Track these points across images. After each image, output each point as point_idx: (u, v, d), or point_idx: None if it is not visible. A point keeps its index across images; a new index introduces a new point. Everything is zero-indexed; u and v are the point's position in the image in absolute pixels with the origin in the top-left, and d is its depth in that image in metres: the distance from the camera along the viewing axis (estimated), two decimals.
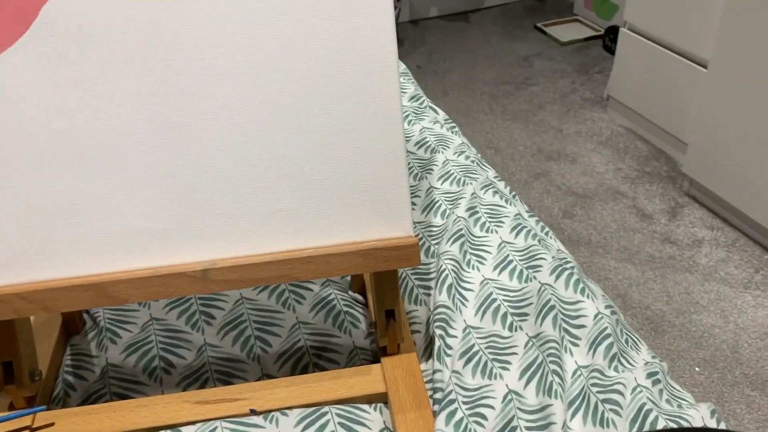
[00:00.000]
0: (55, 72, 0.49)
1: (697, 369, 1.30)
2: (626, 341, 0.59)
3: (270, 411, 0.55)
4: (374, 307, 0.58)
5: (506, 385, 0.55)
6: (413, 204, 0.74)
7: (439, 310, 0.61)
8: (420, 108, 0.95)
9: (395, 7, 2.59)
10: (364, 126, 0.54)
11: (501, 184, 0.79)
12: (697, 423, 0.52)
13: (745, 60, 1.49)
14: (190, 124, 0.52)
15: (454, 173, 0.79)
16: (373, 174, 0.55)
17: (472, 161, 0.82)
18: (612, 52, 2.50)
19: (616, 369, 0.55)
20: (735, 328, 1.38)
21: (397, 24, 2.72)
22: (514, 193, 0.78)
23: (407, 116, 0.92)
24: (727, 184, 1.62)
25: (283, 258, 0.53)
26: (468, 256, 0.66)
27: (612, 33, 2.49)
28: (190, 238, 0.53)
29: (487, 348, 0.58)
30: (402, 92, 0.99)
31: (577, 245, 1.64)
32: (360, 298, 0.67)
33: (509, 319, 0.61)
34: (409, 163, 0.82)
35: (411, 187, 0.77)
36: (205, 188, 0.53)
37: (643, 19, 1.89)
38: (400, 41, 2.78)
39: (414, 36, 2.82)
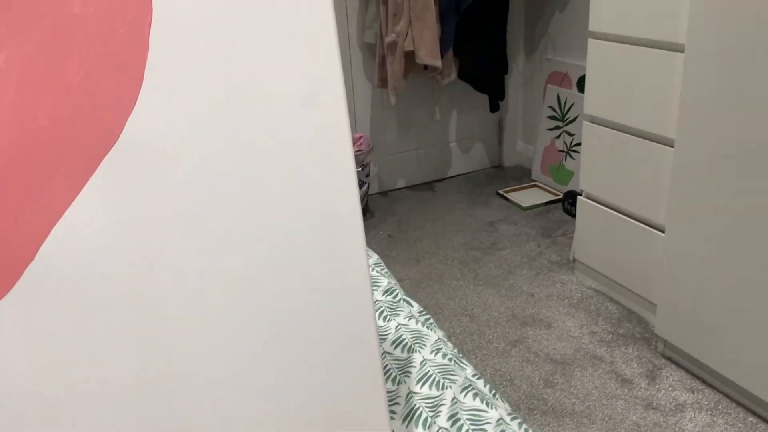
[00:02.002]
0: (32, 326, 0.50)
1: None
2: None
3: None
4: None
5: None
6: (393, 413, 0.74)
7: None
8: (394, 302, 0.97)
9: (363, 183, 2.72)
10: (342, 355, 0.55)
11: (480, 383, 0.79)
12: None
13: (699, 224, 1.57)
14: (174, 378, 0.52)
15: (432, 374, 0.79)
16: (352, 399, 0.55)
17: (450, 359, 0.83)
18: (572, 214, 2.62)
19: None
20: None
21: (367, 196, 2.84)
22: (494, 391, 0.78)
23: (382, 312, 0.93)
24: (700, 345, 1.64)
25: None
26: None
27: (570, 197, 2.63)
28: None
29: None
30: (376, 286, 1.01)
31: (562, 417, 1.61)
32: None
33: None
34: (386, 365, 0.83)
35: (389, 392, 0.77)
36: None
37: (597, 187, 2.01)
38: (371, 212, 2.89)
39: (384, 206, 2.94)
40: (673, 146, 1.66)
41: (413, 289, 2.24)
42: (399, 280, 2.31)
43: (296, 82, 0.54)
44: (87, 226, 0.51)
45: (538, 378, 1.76)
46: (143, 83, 0.52)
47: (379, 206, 2.94)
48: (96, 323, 0.52)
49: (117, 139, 0.51)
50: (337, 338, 0.58)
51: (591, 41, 1.91)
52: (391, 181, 3.11)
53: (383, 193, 3.08)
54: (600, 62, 1.89)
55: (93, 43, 0.50)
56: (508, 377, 1.77)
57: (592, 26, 1.89)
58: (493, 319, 2.04)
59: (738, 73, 1.39)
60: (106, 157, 0.51)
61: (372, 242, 2.61)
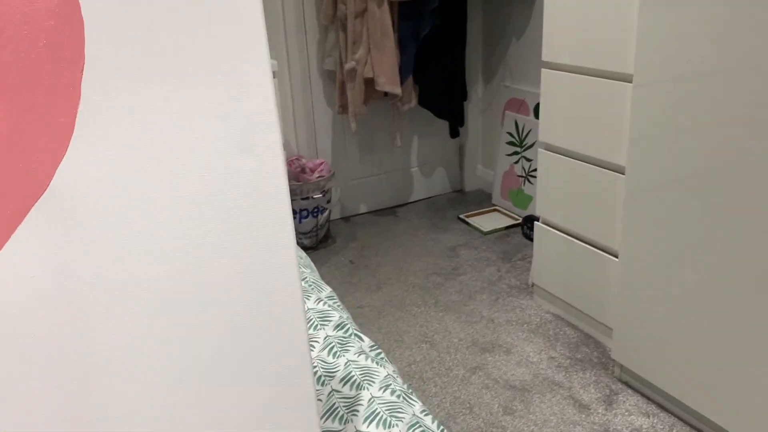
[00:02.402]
0: None
1: None
2: None
3: None
4: None
5: None
6: None
7: None
8: (345, 338, 0.96)
9: (325, 209, 2.71)
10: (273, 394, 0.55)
11: (428, 420, 0.79)
12: None
13: (652, 249, 1.61)
14: None
15: (380, 412, 0.79)
16: None
17: (398, 396, 0.83)
18: (530, 239, 2.65)
19: None
20: None
21: (328, 222, 2.84)
22: (442, 428, 0.78)
23: (332, 348, 0.93)
24: (655, 369, 1.67)
25: None
26: None
27: (529, 222, 2.67)
28: None
29: None
30: (327, 321, 1.01)
31: None
32: None
33: None
34: (333, 403, 0.82)
35: None
36: None
37: (554, 213, 2.04)
38: (332, 238, 2.88)
39: (346, 232, 2.93)
40: (624, 173, 1.70)
41: (374, 316, 2.24)
42: (360, 307, 2.30)
43: (232, 129, 0.54)
44: (13, 277, 0.49)
45: (497, 405, 1.76)
46: (74, 131, 0.51)
47: (340, 232, 2.94)
48: (19, 378, 0.50)
49: (46, 188, 0.50)
50: (268, 380, 0.58)
51: (544, 71, 1.95)
52: (353, 207, 3.11)
53: (345, 219, 3.08)
54: (553, 91, 1.93)
55: (21, 91, 0.50)
56: (468, 405, 1.77)
57: (545, 56, 1.93)
58: (453, 346, 2.04)
59: (683, 100, 1.44)
60: (35, 205, 0.50)
61: (333, 268, 2.60)
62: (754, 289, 1.37)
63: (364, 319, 2.23)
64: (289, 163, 2.77)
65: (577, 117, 1.86)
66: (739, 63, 1.30)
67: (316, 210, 2.68)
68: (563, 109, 1.91)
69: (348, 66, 2.55)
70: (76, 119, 0.51)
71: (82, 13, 0.51)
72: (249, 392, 0.57)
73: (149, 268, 0.53)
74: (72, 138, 0.51)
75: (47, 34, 0.51)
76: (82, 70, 0.51)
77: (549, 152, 2.01)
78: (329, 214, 2.79)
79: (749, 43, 1.27)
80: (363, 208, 3.14)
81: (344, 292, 2.41)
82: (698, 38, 1.37)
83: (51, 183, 0.50)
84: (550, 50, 1.91)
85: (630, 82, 1.66)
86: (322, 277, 2.53)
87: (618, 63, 1.70)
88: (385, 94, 2.70)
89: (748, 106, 1.30)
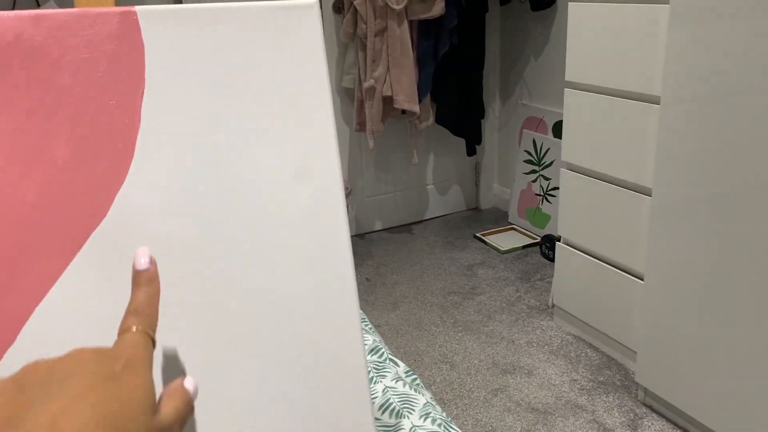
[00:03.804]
0: None
1: None
2: None
3: None
4: None
5: None
6: None
7: None
8: (380, 363, 0.95)
9: None
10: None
11: None
12: None
13: (678, 272, 1.59)
14: None
15: None
16: None
17: (439, 425, 0.81)
18: (549, 258, 2.63)
19: None
20: None
21: None
22: None
23: (369, 373, 0.91)
24: (681, 393, 1.64)
25: None
26: None
27: (548, 241, 2.65)
28: None
29: None
30: None
31: None
32: None
33: None
34: None
35: None
36: None
37: (576, 233, 2.03)
38: None
39: (361, 249, 2.92)
40: (650, 195, 1.68)
41: (392, 336, 2.22)
42: (377, 326, 2.28)
43: (289, 156, 0.53)
44: (71, 305, 0.48)
45: (520, 428, 1.73)
46: (134, 156, 0.50)
47: (356, 249, 2.93)
48: None
49: (106, 215, 0.49)
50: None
51: (567, 91, 1.94)
52: (369, 224, 3.10)
53: (361, 236, 3.07)
54: (576, 111, 1.93)
55: (82, 116, 0.49)
56: (490, 428, 1.74)
57: (569, 76, 1.93)
58: (473, 367, 2.02)
59: (711, 123, 1.42)
60: (94, 232, 0.49)
61: None
62: None
63: (382, 338, 2.20)
64: None
65: (601, 137, 1.85)
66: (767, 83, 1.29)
67: None
68: (587, 129, 1.90)
69: (367, 84, 2.55)
70: (136, 145, 0.50)
71: (143, 36, 0.51)
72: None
73: (202, 296, 0.52)
74: (131, 163, 0.50)
75: (108, 58, 0.50)
76: (143, 95, 0.51)
77: (572, 172, 2.00)
78: None
79: None
80: (378, 225, 3.13)
81: (361, 311, 2.39)
82: (728, 58, 1.36)
83: (110, 209, 0.49)
84: (573, 70, 1.91)
85: (656, 103, 1.64)
86: None
87: (644, 84, 1.69)
88: (403, 111, 2.70)
89: None
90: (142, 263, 0.45)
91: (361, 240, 3.03)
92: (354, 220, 3.05)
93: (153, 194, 0.50)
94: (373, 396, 0.87)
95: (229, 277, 0.52)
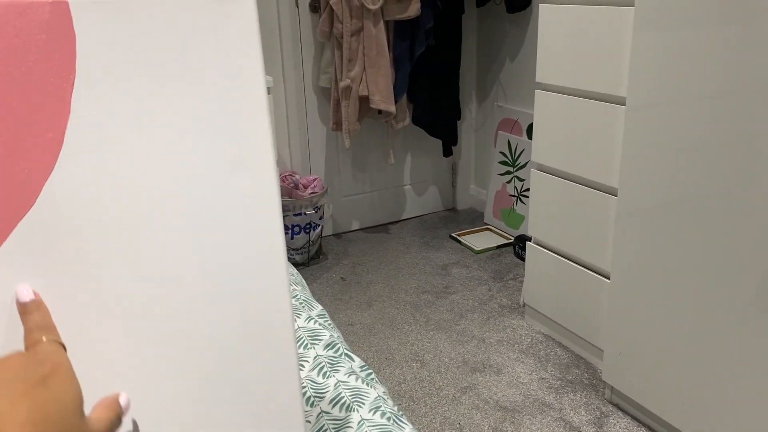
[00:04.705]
0: None
1: None
2: None
3: None
4: None
5: None
6: None
7: None
8: (335, 357, 0.95)
9: (317, 225, 2.70)
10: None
11: None
12: None
13: (643, 271, 1.61)
14: None
15: None
16: None
17: (389, 418, 0.82)
18: (522, 258, 2.65)
19: None
20: None
21: (320, 238, 2.83)
22: None
23: (322, 368, 0.92)
24: (646, 391, 1.66)
25: None
26: None
27: (521, 241, 2.67)
28: None
29: None
30: (317, 339, 1.00)
31: None
32: None
33: None
34: (323, 426, 0.81)
35: None
36: None
37: (546, 233, 2.04)
38: (324, 254, 2.87)
39: (337, 249, 2.92)
40: (616, 195, 1.70)
41: (365, 334, 2.22)
42: (351, 325, 2.29)
43: (224, 145, 0.53)
44: None
45: (487, 426, 1.74)
46: (63, 146, 0.50)
47: (332, 248, 2.93)
48: None
49: (33, 204, 0.49)
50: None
51: (538, 92, 1.96)
52: (346, 223, 3.11)
53: (337, 235, 3.07)
54: (547, 112, 1.94)
55: (11, 105, 0.49)
56: (458, 426, 1.75)
57: (539, 77, 1.94)
58: (444, 365, 2.03)
59: (674, 126, 1.45)
60: (21, 221, 0.49)
61: (325, 285, 2.58)
62: (745, 311, 1.37)
63: (355, 336, 2.21)
64: (283, 178, 2.76)
65: (571, 138, 1.87)
66: (731, 87, 1.31)
67: (308, 226, 2.67)
68: (556, 130, 1.92)
69: (343, 84, 2.55)
70: (65, 134, 0.50)
71: (74, 26, 0.51)
72: (238, 412, 0.56)
73: (134, 285, 0.52)
74: (60, 153, 0.50)
75: (38, 47, 0.50)
76: (73, 84, 0.51)
77: (542, 173, 2.02)
78: (321, 230, 2.78)
79: (740, 68, 1.28)
80: (355, 225, 3.13)
81: (335, 309, 2.39)
82: (691, 62, 1.38)
83: (38, 199, 0.49)
84: (544, 71, 1.92)
85: (623, 104, 1.67)
86: (314, 294, 2.52)
87: (611, 85, 1.71)
88: (379, 111, 2.71)
89: (739, 129, 1.31)
90: (25, 295, 0.48)
91: (338, 239, 3.03)
92: (330, 220, 3.05)
93: (82, 184, 0.50)
94: (324, 390, 0.87)
95: (158, 266, 0.52)
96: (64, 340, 0.49)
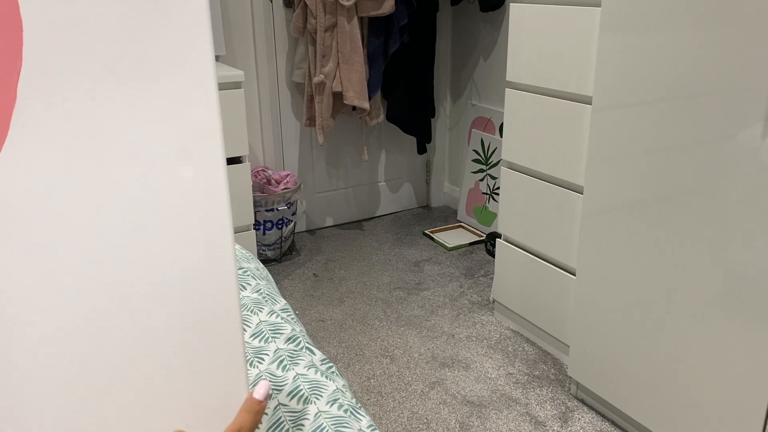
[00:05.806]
0: None
1: None
2: None
3: None
4: None
5: None
6: None
7: None
8: (296, 351, 0.96)
9: (290, 221, 2.70)
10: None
11: None
12: None
13: (608, 268, 1.63)
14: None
15: (325, 427, 0.78)
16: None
17: (346, 411, 0.82)
18: (493, 255, 2.67)
19: None
20: None
21: (293, 234, 2.82)
22: None
23: (281, 361, 0.92)
24: (610, 387, 1.69)
25: None
26: None
27: (492, 238, 2.69)
28: None
29: None
30: (279, 333, 1.00)
31: None
32: None
33: None
34: (279, 418, 0.81)
35: None
36: None
37: (515, 230, 2.07)
38: (297, 250, 2.87)
39: (311, 245, 2.92)
40: (582, 193, 1.73)
41: (336, 330, 2.23)
42: (321, 321, 2.29)
43: (172, 136, 0.53)
44: None
45: (454, 421, 1.76)
46: (8, 134, 0.50)
47: (305, 245, 2.93)
48: None
49: None
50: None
51: (508, 90, 1.98)
52: (319, 220, 3.10)
53: (311, 232, 3.07)
54: (516, 111, 1.96)
55: None
56: (425, 420, 1.77)
57: (510, 76, 1.96)
58: (413, 361, 2.04)
59: (639, 125, 1.47)
60: None
61: (297, 281, 2.58)
62: (707, 309, 1.40)
63: (326, 332, 2.21)
64: (255, 174, 2.75)
65: (539, 137, 1.89)
66: (694, 89, 1.34)
67: (280, 222, 2.67)
68: (526, 128, 1.94)
69: (317, 79, 2.55)
70: (11, 122, 0.50)
71: (21, 14, 0.51)
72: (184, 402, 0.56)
73: (80, 276, 0.52)
74: (5, 141, 0.50)
75: None
76: (19, 72, 0.51)
77: (512, 171, 2.04)
78: (294, 226, 2.77)
79: (704, 70, 1.31)
80: (329, 221, 3.13)
81: (307, 305, 2.40)
82: (655, 64, 1.41)
83: None
84: (514, 70, 1.94)
85: (589, 103, 1.69)
86: (285, 290, 2.52)
87: (579, 85, 1.73)
88: (353, 108, 2.71)
89: (701, 131, 1.34)
90: (261, 394, 0.51)
91: (311, 236, 3.03)
92: (304, 216, 3.05)
93: (27, 173, 0.50)
94: (283, 383, 0.88)
95: (104, 258, 0.52)
96: (3, 334, 0.49)
